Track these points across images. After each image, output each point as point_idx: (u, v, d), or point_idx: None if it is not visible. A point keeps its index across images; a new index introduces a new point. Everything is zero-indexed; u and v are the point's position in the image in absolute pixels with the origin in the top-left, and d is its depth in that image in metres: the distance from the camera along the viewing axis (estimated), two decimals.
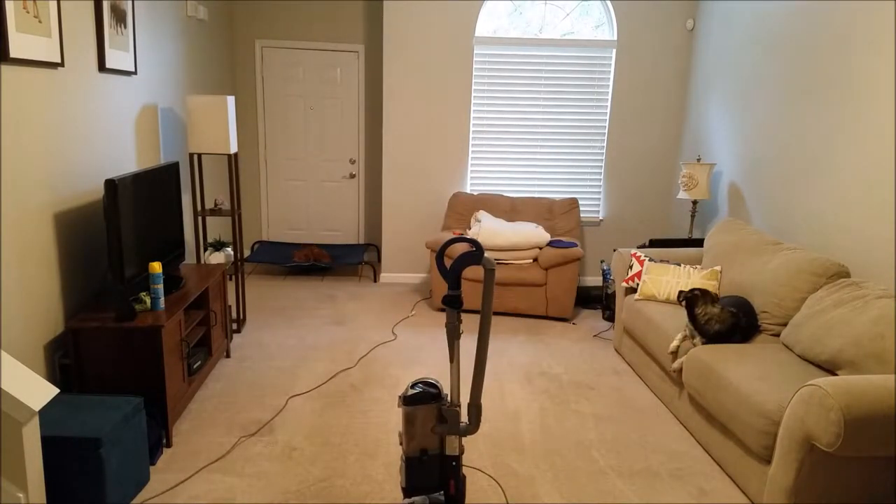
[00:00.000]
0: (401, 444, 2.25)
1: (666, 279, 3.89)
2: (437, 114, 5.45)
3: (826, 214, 3.64)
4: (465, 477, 2.29)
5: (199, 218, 4.34)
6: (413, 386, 2.22)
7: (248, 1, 5.73)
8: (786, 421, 2.42)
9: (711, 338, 3.21)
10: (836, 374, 2.79)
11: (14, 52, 2.45)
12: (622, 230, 5.72)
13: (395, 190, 5.59)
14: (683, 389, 3.31)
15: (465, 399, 2.38)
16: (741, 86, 4.58)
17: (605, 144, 5.59)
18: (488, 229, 4.85)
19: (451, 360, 2.20)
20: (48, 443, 2.27)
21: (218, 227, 5.42)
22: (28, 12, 2.55)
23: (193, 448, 2.95)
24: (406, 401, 2.18)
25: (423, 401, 2.18)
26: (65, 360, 2.86)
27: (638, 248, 4.47)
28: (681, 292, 3.31)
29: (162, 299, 2.98)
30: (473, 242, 2.10)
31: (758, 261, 3.60)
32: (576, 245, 4.80)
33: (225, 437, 3.05)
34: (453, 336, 2.17)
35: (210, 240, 5.10)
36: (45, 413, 2.42)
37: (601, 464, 2.94)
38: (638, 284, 4.03)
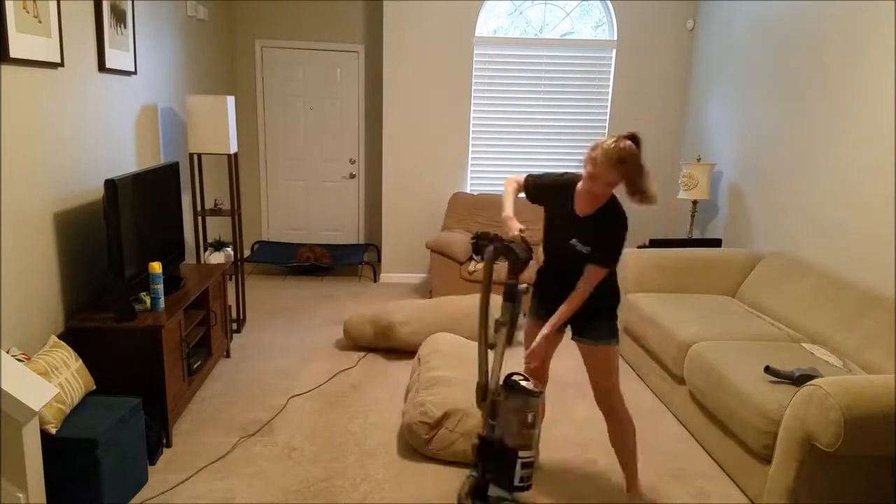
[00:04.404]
0: (484, 434, 2.25)
1: None
2: (437, 114, 5.45)
3: (826, 214, 3.64)
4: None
5: (199, 218, 4.33)
6: (509, 377, 2.25)
7: (248, 1, 5.72)
8: (786, 421, 2.41)
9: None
10: None
11: (14, 52, 2.45)
12: None
13: (395, 190, 5.58)
14: (684, 389, 3.30)
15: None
16: (741, 86, 4.58)
17: None
18: None
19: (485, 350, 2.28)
20: (45, 443, 2.26)
21: (218, 227, 5.42)
22: (28, 12, 2.55)
23: (193, 448, 2.95)
24: (506, 391, 2.21)
25: (518, 393, 2.20)
26: None
27: (638, 248, 4.47)
28: None
29: (162, 299, 2.98)
30: (520, 248, 2.14)
31: None
32: None
33: (225, 437, 3.05)
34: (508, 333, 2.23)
35: (210, 240, 5.10)
36: None
37: (601, 464, 2.94)
38: None
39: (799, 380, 2.64)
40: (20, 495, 2.02)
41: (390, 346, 4.08)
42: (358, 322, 4.11)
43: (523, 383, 2.23)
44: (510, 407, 2.19)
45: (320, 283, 5.61)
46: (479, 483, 2.23)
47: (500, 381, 2.24)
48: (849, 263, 3.43)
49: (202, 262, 4.40)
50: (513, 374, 2.27)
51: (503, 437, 2.19)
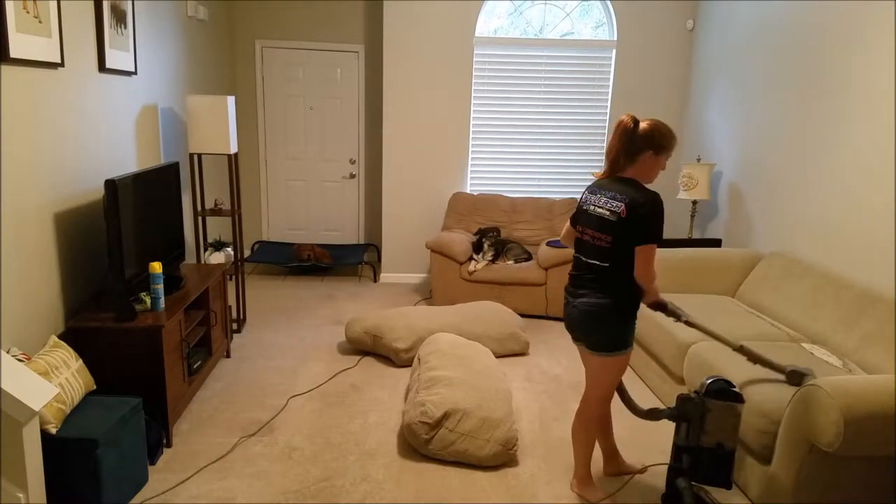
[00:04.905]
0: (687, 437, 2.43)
1: None
2: (437, 114, 5.45)
3: (826, 214, 3.64)
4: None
5: (199, 218, 4.33)
6: (712, 382, 2.39)
7: (248, 1, 5.73)
8: (786, 421, 2.42)
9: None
10: None
11: (14, 52, 2.45)
12: None
13: (395, 190, 5.59)
14: (683, 389, 3.30)
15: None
16: (741, 86, 4.58)
17: (605, 145, 5.59)
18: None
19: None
20: (45, 443, 2.27)
21: (218, 227, 5.42)
22: (28, 12, 2.55)
23: (193, 448, 2.95)
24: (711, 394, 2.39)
25: (734, 398, 2.38)
26: None
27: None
28: None
29: (162, 299, 2.98)
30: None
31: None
32: None
33: (225, 437, 3.05)
34: None
35: (210, 240, 5.10)
36: None
37: (600, 464, 2.94)
38: None
39: (791, 375, 2.65)
40: (20, 495, 2.02)
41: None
42: (357, 332, 4.05)
43: (727, 388, 2.39)
44: (732, 412, 2.36)
45: (320, 283, 5.61)
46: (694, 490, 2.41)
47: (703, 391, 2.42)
48: (848, 263, 3.43)
49: (202, 262, 4.40)
50: (711, 380, 2.40)
51: (721, 441, 2.38)
